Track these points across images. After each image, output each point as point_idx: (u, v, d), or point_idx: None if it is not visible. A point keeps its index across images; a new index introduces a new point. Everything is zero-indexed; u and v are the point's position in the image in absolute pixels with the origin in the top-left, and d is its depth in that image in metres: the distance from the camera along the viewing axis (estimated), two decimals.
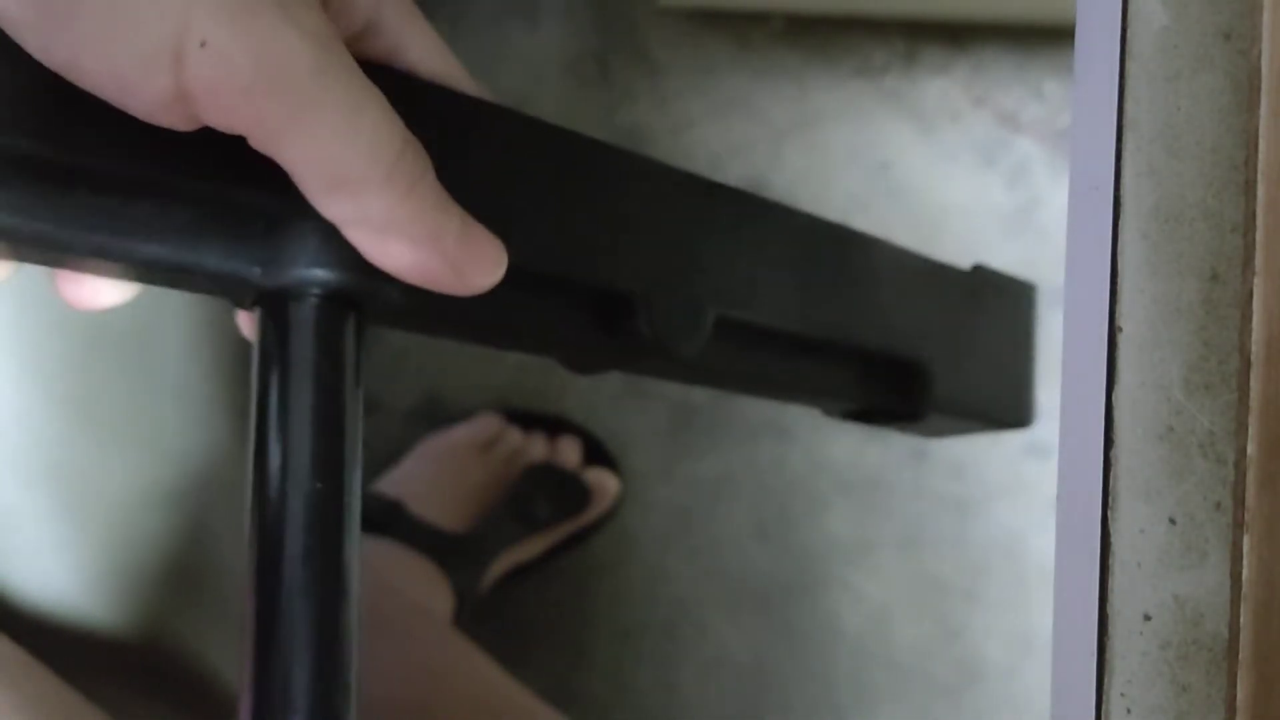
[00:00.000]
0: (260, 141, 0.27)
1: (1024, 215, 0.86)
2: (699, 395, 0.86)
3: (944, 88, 0.87)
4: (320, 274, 0.30)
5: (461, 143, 0.33)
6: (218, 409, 0.45)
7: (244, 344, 0.47)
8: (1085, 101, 0.27)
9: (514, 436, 0.85)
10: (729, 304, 0.38)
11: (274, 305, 0.30)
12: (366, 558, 0.77)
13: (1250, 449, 0.25)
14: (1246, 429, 0.25)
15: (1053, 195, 0.85)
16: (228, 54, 0.25)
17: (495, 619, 0.83)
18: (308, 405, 0.29)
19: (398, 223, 0.28)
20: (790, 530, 0.87)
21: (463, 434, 0.85)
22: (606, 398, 0.87)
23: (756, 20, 0.87)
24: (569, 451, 0.86)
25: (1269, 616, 0.25)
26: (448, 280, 0.29)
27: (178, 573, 0.44)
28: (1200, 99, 0.26)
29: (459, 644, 0.70)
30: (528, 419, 0.87)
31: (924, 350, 0.44)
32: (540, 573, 0.87)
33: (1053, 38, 0.85)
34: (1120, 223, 0.27)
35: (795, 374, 0.42)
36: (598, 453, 0.87)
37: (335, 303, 0.30)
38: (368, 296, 0.30)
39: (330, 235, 0.29)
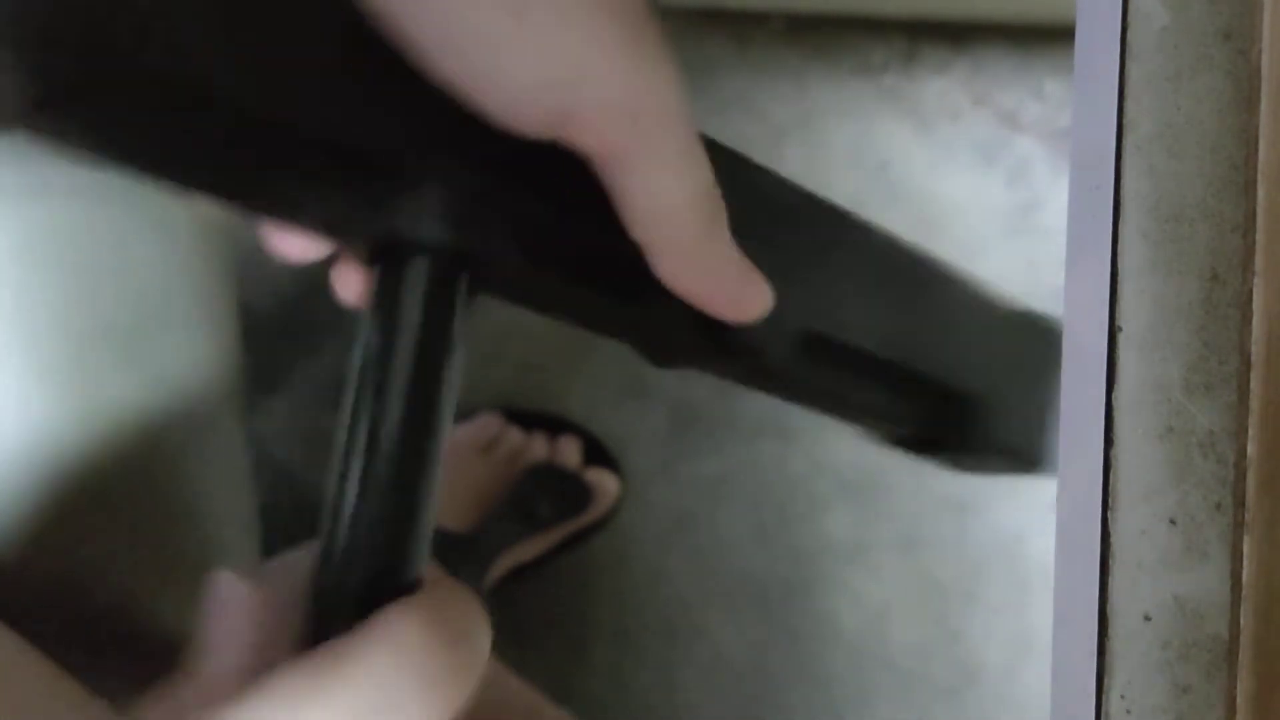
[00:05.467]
0: (608, 168, 0.29)
1: (1024, 215, 0.86)
2: (699, 396, 0.86)
3: (944, 87, 0.87)
4: (438, 235, 0.31)
5: None
6: (225, 403, 0.45)
7: (245, 338, 0.47)
8: (1085, 101, 0.27)
9: (515, 436, 0.85)
10: (817, 318, 0.39)
11: (390, 260, 0.32)
12: None
13: (1250, 449, 0.25)
14: (1247, 429, 0.25)
15: (1053, 195, 0.85)
16: (613, 85, 0.28)
17: (495, 618, 0.83)
18: (408, 365, 0.31)
19: (698, 255, 0.32)
20: (790, 531, 0.87)
21: (464, 434, 0.85)
22: (607, 398, 0.87)
23: (756, 19, 0.87)
24: (570, 452, 0.86)
25: (1269, 617, 0.25)
26: (728, 310, 0.33)
27: (175, 564, 0.44)
28: (1200, 99, 0.26)
29: None
30: (528, 419, 0.87)
31: (984, 385, 0.45)
32: (540, 572, 0.87)
33: (1053, 37, 0.85)
34: (1120, 223, 0.27)
35: (867, 395, 0.42)
36: (598, 453, 0.87)
37: (449, 264, 0.32)
38: (481, 264, 0.32)
39: (453, 199, 0.30)
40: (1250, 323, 0.26)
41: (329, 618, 0.31)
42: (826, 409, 0.45)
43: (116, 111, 0.27)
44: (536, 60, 0.27)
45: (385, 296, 0.32)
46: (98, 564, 0.43)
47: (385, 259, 0.32)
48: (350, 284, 0.33)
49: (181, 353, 0.43)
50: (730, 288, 0.33)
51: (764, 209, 0.38)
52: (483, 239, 0.32)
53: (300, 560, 0.34)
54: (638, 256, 0.33)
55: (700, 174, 0.31)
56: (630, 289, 0.35)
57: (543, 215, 0.32)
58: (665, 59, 0.30)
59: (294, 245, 0.33)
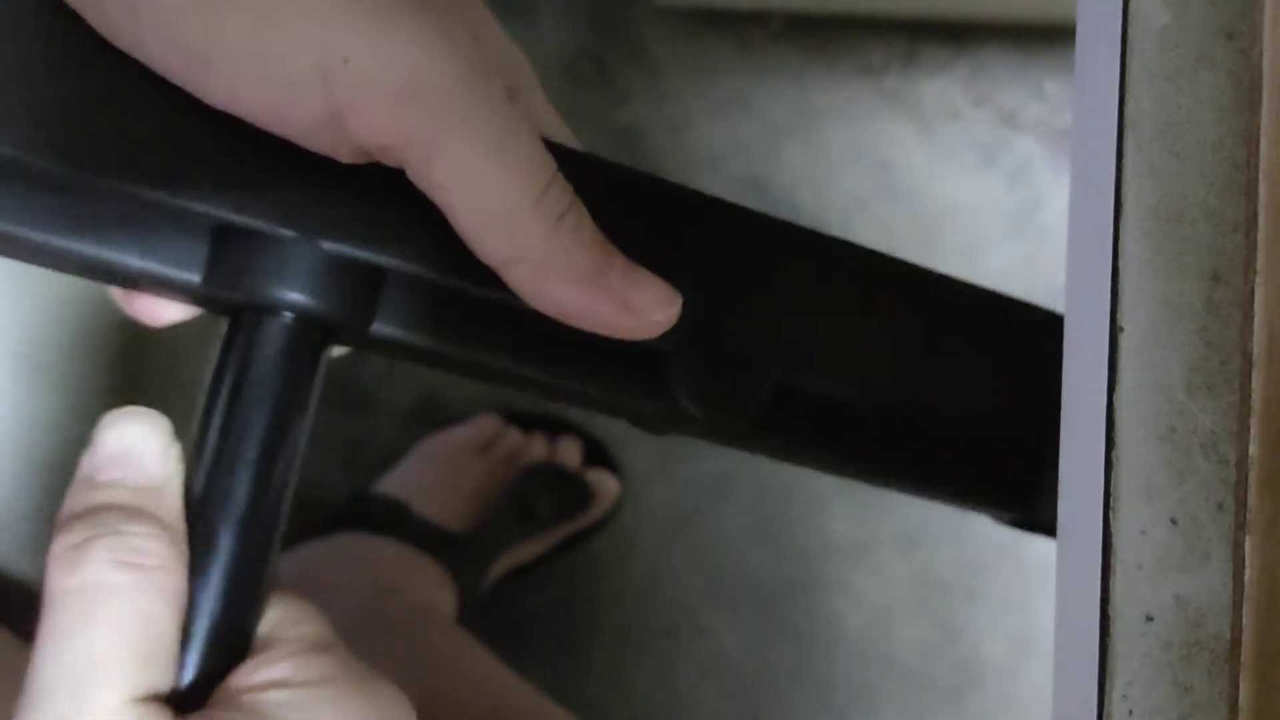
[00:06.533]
0: (415, 164, 0.27)
1: (1025, 215, 0.86)
2: None
3: (944, 87, 0.87)
4: (298, 298, 0.29)
5: None
6: None
7: None
8: (1086, 101, 0.27)
9: (514, 437, 0.86)
10: (792, 367, 0.33)
11: (246, 318, 0.30)
12: (370, 557, 0.78)
13: (1252, 450, 0.25)
14: (1248, 429, 0.25)
15: (1054, 195, 0.85)
16: (371, 66, 0.25)
17: (495, 619, 0.83)
18: (259, 425, 0.29)
19: (555, 259, 0.27)
20: (790, 530, 0.87)
21: (463, 434, 0.85)
22: None
23: (755, 19, 0.87)
24: (569, 452, 0.86)
25: (1271, 617, 0.25)
26: (619, 321, 0.28)
27: None
28: (1201, 98, 0.26)
29: (464, 641, 0.70)
30: (528, 420, 0.87)
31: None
32: (540, 573, 0.87)
33: (1053, 37, 0.85)
34: (1121, 223, 0.27)
35: (903, 459, 0.36)
36: (597, 453, 0.87)
37: (308, 326, 0.29)
38: (343, 328, 0.30)
39: (319, 260, 0.29)
40: (1252, 323, 0.26)
41: None
42: (865, 479, 0.38)
43: None
44: (286, 54, 0.25)
45: (230, 356, 0.29)
46: None
47: (234, 317, 0.30)
48: (155, 311, 0.31)
49: (178, 351, 0.43)
50: (608, 298, 0.28)
51: (705, 241, 0.33)
52: (334, 299, 0.29)
53: None
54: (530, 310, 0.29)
55: (534, 163, 0.27)
56: (543, 347, 0.31)
57: (413, 258, 0.29)
58: (447, 28, 0.26)
59: (150, 310, 0.31)
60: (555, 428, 0.87)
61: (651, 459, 0.87)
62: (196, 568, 0.28)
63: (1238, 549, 0.25)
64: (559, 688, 0.81)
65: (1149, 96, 0.27)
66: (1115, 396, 0.26)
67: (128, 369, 0.48)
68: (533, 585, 0.87)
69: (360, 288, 0.29)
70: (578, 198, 0.28)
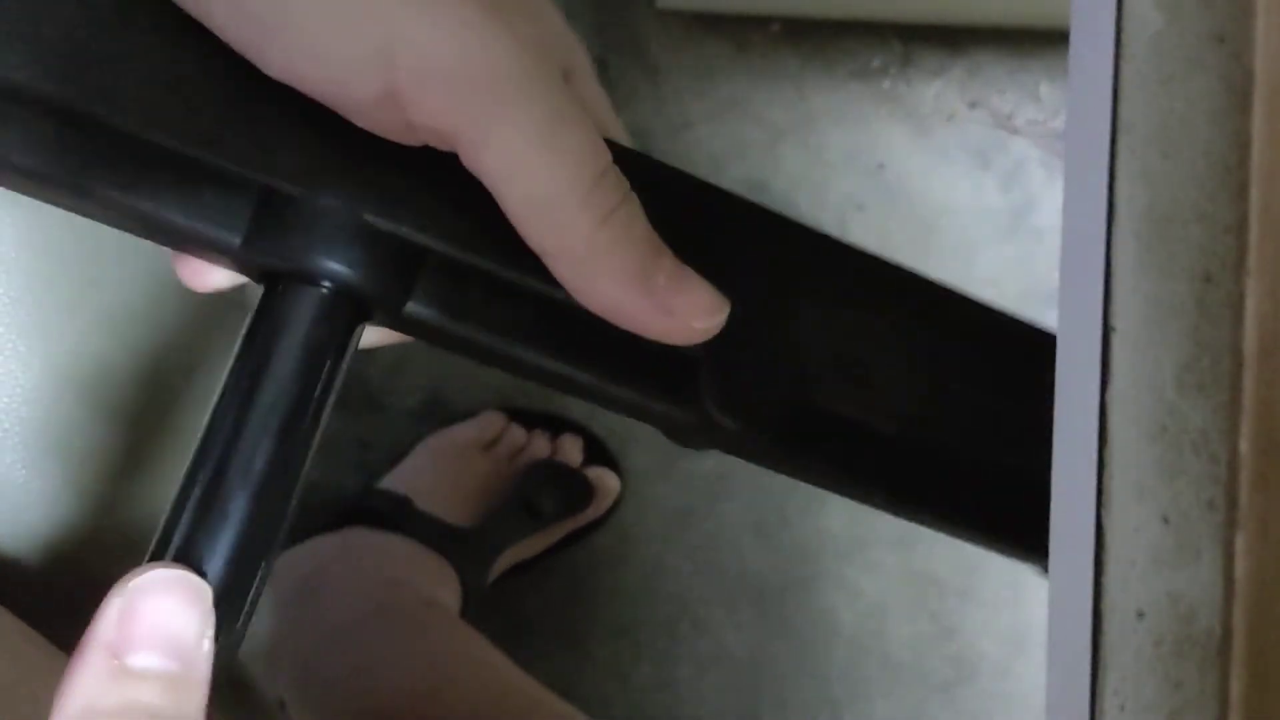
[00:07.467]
0: (467, 148, 0.26)
1: (1019, 216, 0.87)
2: None
3: (940, 90, 0.87)
4: (337, 268, 0.29)
5: None
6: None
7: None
8: (1079, 104, 0.27)
9: (517, 435, 0.86)
10: (831, 390, 0.32)
11: (283, 285, 0.29)
12: (377, 552, 0.78)
13: (1243, 448, 0.25)
14: (1239, 428, 0.26)
15: (1047, 196, 0.86)
16: (428, 49, 0.25)
17: (496, 614, 0.83)
18: (286, 395, 0.28)
19: (600, 253, 0.27)
20: (787, 528, 0.88)
21: (467, 432, 0.85)
22: None
23: (755, 23, 0.87)
24: (571, 450, 0.86)
25: (1261, 614, 0.25)
26: (658, 323, 0.28)
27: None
28: (1194, 102, 0.27)
29: (468, 635, 0.70)
30: (530, 418, 0.87)
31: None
32: (541, 569, 0.87)
33: (1048, 41, 0.86)
34: (1114, 224, 0.27)
35: (935, 492, 0.34)
36: (599, 451, 0.87)
37: (343, 298, 0.29)
38: (379, 303, 0.30)
39: (361, 233, 0.29)
40: (1243, 323, 0.26)
41: None
42: (904, 510, 0.36)
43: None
44: (349, 32, 0.26)
45: (263, 323, 0.29)
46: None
47: (271, 284, 0.29)
48: (200, 274, 0.30)
49: (190, 341, 0.43)
50: (651, 299, 0.27)
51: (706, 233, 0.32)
52: (372, 273, 0.29)
53: None
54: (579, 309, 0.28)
55: (586, 153, 0.27)
56: (580, 345, 0.30)
57: (452, 242, 0.29)
58: (509, 21, 0.26)
59: (198, 276, 0.30)
60: (557, 426, 0.87)
61: (651, 458, 0.87)
62: (206, 533, 0.27)
63: (1228, 546, 0.25)
64: (559, 682, 0.81)
65: (1142, 100, 0.27)
66: (1107, 395, 0.26)
67: (142, 359, 0.48)
68: (534, 581, 0.87)
69: (400, 265, 0.29)
70: (633, 194, 0.28)
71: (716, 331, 0.29)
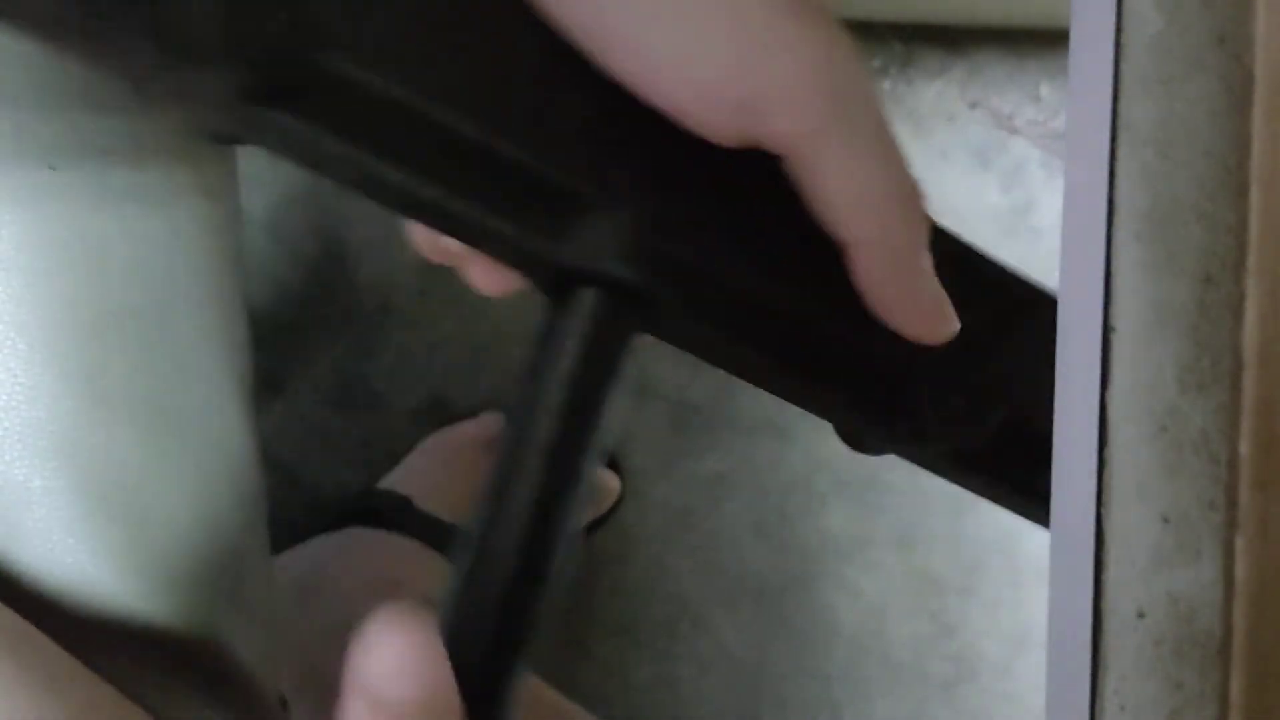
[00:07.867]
0: (809, 154, 0.27)
1: (1019, 216, 0.87)
2: (698, 394, 0.86)
3: (940, 90, 0.87)
4: (614, 266, 0.29)
5: None
6: (237, 396, 0.44)
7: (258, 330, 0.47)
8: (1080, 104, 0.27)
9: None
10: (1020, 406, 0.34)
11: (561, 288, 0.29)
12: (378, 552, 0.78)
13: (1243, 448, 0.25)
14: (1239, 429, 0.26)
15: (1048, 197, 0.86)
16: (793, 61, 0.26)
17: None
18: (559, 397, 0.29)
19: (903, 255, 0.29)
20: (788, 528, 0.88)
21: (467, 431, 0.85)
22: None
23: None
24: None
25: (1261, 614, 0.25)
26: (925, 327, 0.30)
27: (201, 560, 0.43)
28: (1194, 102, 0.27)
29: None
30: None
31: None
32: None
33: (1048, 41, 0.86)
34: (1114, 225, 0.27)
35: None
36: None
37: (619, 298, 0.29)
38: (651, 302, 0.30)
39: (631, 230, 0.29)
40: (1243, 323, 0.26)
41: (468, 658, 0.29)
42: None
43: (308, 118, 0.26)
44: (718, 39, 0.26)
45: (549, 328, 0.29)
46: None
47: (558, 289, 0.29)
48: (494, 277, 0.31)
49: (194, 340, 0.43)
50: (932, 300, 0.30)
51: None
52: (661, 276, 0.29)
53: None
54: (841, 324, 0.30)
55: (902, 162, 0.29)
56: (826, 359, 0.32)
57: (728, 254, 0.30)
58: (837, 24, 0.27)
59: (488, 277, 0.31)
60: None
61: (652, 457, 0.87)
62: (482, 561, 0.29)
63: (1228, 546, 0.25)
64: (560, 682, 0.81)
65: (1142, 100, 0.27)
66: (1108, 396, 0.26)
67: (146, 358, 0.48)
68: None
69: (688, 278, 0.30)
70: (924, 198, 0.30)
71: (951, 337, 0.31)
